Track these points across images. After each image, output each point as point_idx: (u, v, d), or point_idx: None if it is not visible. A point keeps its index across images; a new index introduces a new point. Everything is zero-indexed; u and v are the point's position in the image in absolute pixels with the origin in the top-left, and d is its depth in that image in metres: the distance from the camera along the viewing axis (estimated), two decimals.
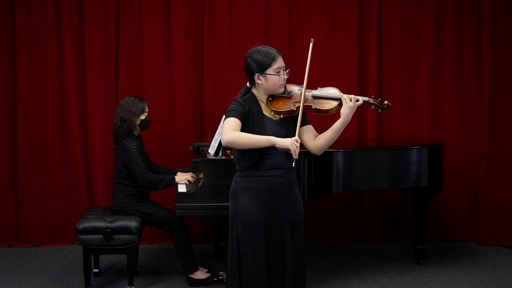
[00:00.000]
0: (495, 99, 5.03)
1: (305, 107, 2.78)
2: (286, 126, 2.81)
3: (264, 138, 2.64)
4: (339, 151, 3.88)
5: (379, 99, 2.92)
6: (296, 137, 2.62)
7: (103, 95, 4.97)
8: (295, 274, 2.80)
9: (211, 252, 4.83)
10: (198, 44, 4.99)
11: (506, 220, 5.04)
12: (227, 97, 4.64)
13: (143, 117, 4.11)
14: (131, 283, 3.87)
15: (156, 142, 4.96)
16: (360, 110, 5.07)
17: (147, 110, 4.14)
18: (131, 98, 4.12)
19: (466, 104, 5.11)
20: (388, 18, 5.07)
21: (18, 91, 4.92)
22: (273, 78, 2.76)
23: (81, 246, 3.84)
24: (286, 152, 2.75)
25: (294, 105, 2.77)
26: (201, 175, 3.59)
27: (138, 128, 4.12)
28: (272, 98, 2.82)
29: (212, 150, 3.86)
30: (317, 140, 2.83)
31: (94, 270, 4.19)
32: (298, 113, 2.71)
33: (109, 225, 3.84)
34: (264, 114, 2.80)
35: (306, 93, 2.79)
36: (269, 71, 2.75)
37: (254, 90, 2.84)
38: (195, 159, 4.10)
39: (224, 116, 2.76)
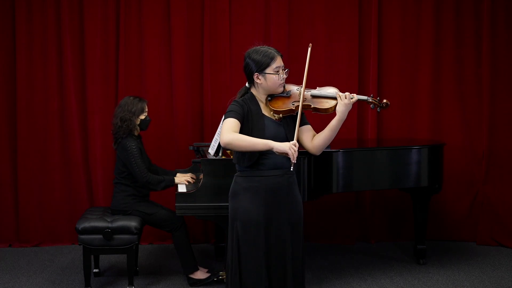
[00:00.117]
0: (495, 99, 5.03)
1: (304, 107, 2.78)
2: (285, 126, 2.81)
3: (262, 142, 2.63)
4: (339, 151, 3.88)
5: (378, 98, 2.93)
6: (294, 141, 2.61)
7: (103, 95, 4.97)
8: (295, 274, 2.80)
9: (211, 252, 4.83)
10: (198, 44, 5.00)
11: (506, 220, 5.04)
12: (227, 97, 4.64)
13: (142, 117, 4.11)
14: (131, 283, 3.87)
15: (156, 142, 4.96)
16: (360, 110, 5.08)
17: (146, 110, 4.14)
18: (131, 98, 4.12)
19: (466, 104, 5.11)
20: (388, 18, 5.07)
21: (18, 91, 4.92)
22: (272, 77, 2.76)
23: (81, 246, 3.84)
24: None
25: (293, 104, 2.78)
26: (201, 176, 3.59)
27: (138, 128, 4.12)
28: (271, 97, 2.82)
29: (212, 150, 3.86)
30: (315, 140, 2.83)
31: (94, 270, 4.20)
32: (297, 113, 2.71)
33: (109, 225, 3.84)
34: (263, 114, 2.80)
35: (305, 92, 2.79)
36: (268, 70, 2.75)
37: (253, 90, 2.84)
38: (195, 159, 4.10)
39: (223, 117, 2.76)
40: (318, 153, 2.87)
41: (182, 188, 3.86)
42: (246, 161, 2.76)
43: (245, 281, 2.77)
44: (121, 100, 4.17)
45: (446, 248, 4.93)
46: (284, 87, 2.82)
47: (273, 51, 2.78)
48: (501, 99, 5.04)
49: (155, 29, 4.98)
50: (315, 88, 2.84)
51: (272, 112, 2.80)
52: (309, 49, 2.79)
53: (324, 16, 5.04)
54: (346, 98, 2.73)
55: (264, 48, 2.80)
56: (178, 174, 4.15)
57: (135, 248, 3.94)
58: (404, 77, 5.13)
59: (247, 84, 2.87)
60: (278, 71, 2.76)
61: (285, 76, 2.80)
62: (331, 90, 2.82)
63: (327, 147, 3.71)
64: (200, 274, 4.06)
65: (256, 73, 2.77)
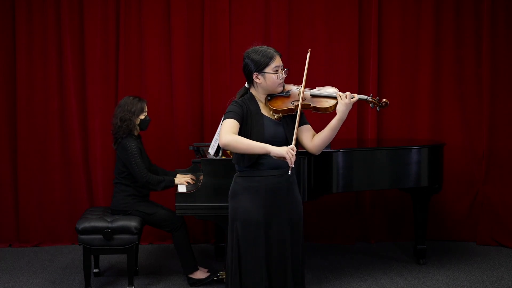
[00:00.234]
0: (495, 99, 5.03)
1: (303, 106, 2.77)
2: (285, 125, 2.81)
3: (259, 146, 2.63)
4: (339, 151, 3.88)
5: (377, 97, 2.93)
6: (292, 145, 2.60)
7: (103, 95, 4.97)
8: (295, 274, 2.80)
9: (211, 252, 4.83)
10: (198, 44, 5.00)
11: (506, 220, 5.04)
12: (227, 97, 4.62)
13: (142, 116, 4.11)
14: (131, 283, 3.87)
15: (156, 142, 4.96)
16: (360, 110, 5.08)
17: (146, 109, 4.14)
18: (130, 98, 4.12)
19: (466, 104, 5.11)
20: (388, 18, 5.07)
21: (18, 91, 4.92)
22: (271, 77, 2.76)
23: (81, 246, 3.84)
24: None
25: (293, 103, 2.77)
26: (201, 176, 3.59)
27: (138, 128, 4.12)
28: (271, 97, 2.82)
29: (212, 150, 3.86)
30: (314, 139, 2.82)
31: (94, 270, 4.20)
32: (297, 112, 2.71)
33: (109, 225, 3.84)
34: (262, 114, 2.79)
35: (305, 92, 2.79)
36: (267, 70, 2.75)
37: (252, 90, 2.84)
38: (195, 159, 4.10)
39: (223, 117, 2.76)
40: (317, 153, 2.87)
41: (182, 188, 3.86)
42: (245, 161, 2.76)
43: (245, 281, 2.76)
44: (121, 100, 4.17)
45: (446, 248, 4.93)
46: (283, 86, 2.82)
47: (272, 51, 2.78)
48: (501, 99, 5.04)
49: (155, 29, 4.98)
50: (315, 88, 2.85)
51: (271, 112, 2.80)
52: (308, 54, 2.79)
53: (324, 16, 5.04)
54: (346, 97, 2.73)
55: (263, 47, 2.80)
56: (178, 175, 4.15)
57: (135, 248, 3.94)
58: (404, 77, 5.13)
59: (246, 85, 2.87)
60: (277, 71, 2.76)
61: (284, 76, 2.80)
62: (330, 90, 2.82)
63: (327, 147, 3.72)
64: (200, 274, 4.06)
65: (255, 73, 2.77)
